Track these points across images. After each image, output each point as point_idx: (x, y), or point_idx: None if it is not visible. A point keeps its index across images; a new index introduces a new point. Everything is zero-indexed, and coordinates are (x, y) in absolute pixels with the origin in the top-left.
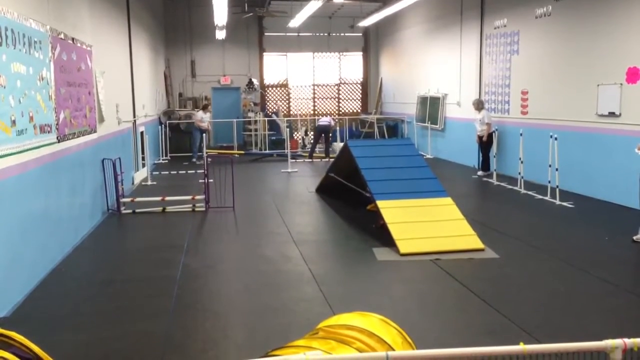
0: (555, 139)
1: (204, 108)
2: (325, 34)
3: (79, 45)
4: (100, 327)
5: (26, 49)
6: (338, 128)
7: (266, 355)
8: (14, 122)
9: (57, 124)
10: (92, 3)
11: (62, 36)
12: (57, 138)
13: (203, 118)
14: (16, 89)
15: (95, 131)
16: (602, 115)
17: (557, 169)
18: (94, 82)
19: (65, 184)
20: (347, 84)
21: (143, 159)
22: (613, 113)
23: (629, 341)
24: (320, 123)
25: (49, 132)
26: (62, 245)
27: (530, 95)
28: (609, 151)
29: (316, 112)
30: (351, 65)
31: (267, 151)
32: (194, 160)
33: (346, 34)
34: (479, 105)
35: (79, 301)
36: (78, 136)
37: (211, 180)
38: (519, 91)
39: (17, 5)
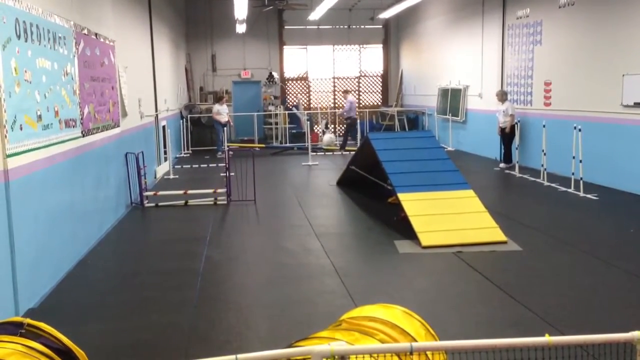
0: (579, 130)
1: (219, 100)
2: (345, 27)
3: (102, 40)
4: (126, 318)
5: (51, 45)
6: (359, 121)
7: (290, 346)
8: (39, 116)
9: (81, 119)
10: None
11: (85, 32)
12: (82, 132)
13: (219, 110)
14: (41, 84)
15: (118, 125)
16: (627, 106)
17: (581, 161)
18: (117, 77)
19: (90, 178)
20: (367, 76)
21: (165, 152)
22: (639, 103)
23: None
24: (355, 115)
25: (73, 126)
26: (88, 238)
27: (554, 86)
28: (634, 142)
29: (336, 105)
30: (371, 57)
31: (288, 144)
32: (219, 154)
33: (366, 26)
34: (502, 96)
35: (104, 293)
36: (102, 130)
37: (232, 174)
38: (542, 82)
39: (42, 2)
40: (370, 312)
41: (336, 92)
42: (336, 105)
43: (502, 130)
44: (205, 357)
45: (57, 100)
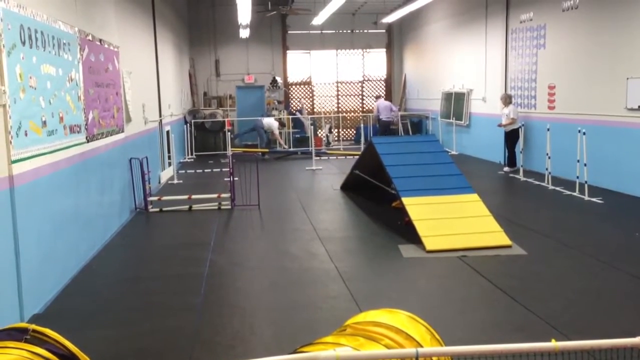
0: (584, 133)
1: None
2: (349, 31)
3: (106, 46)
4: (130, 323)
5: (55, 51)
6: (362, 125)
7: (295, 352)
8: (44, 122)
9: (86, 124)
10: (118, 4)
11: (90, 37)
12: (86, 138)
13: (271, 125)
14: (46, 90)
15: (122, 131)
16: (631, 109)
17: (585, 165)
18: (121, 82)
19: (95, 183)
20: (370, 80)
21: (169, 157)
22: None
23: None
24: (385, 118)
25: (78, 132)
26: (93, 243)
27: (558, 90)
28: (639, 145)
29: (340, 110)
30: (375, 62)
31: (292, 149)
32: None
33: (369, 31)
34: (506, 99)
35: (109, 298)
36: (106, 136)
37: (236, 179)
38: (546, 86)
39: (47, 8)
40: (375, 317)
41: (340, 97)
42: (339, 109)
43: (506, 132)
44: None
45: (62, 106)
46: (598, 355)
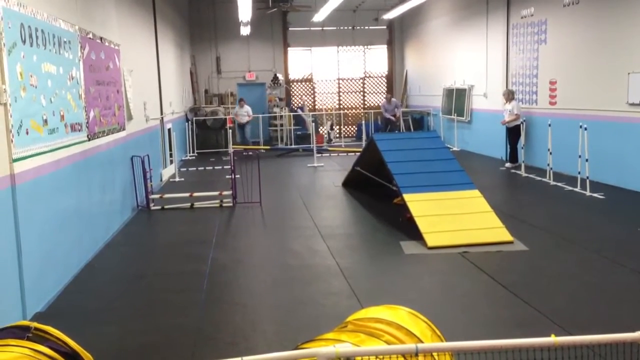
0: (585, 129)
1: (239, 102)
2: (350, 28)
3: (107, 44)
4: (132, 320)
5: (56, 49)
6: (364, 121)
7: (296, 349)
8: (45, 121)
9: (87, 123)
10: (119, 2)
11: (90, 36)
12: (88, 136)
13: (238, 112)
14: (47, 89)
15: (124, 129)
16: (633, 104)
17: (587, 160)
18: (122, 80)
19: (96, 181)
20: (372, 77)
21: (171, 155)
22: None
23: None
24: (387, 116)
25: (79, 130)
26: (95, 241)
27: (559, 85)
28: None
29: (341, 106)
30: (376, 58)
31: (293, 146)
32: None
33: (370, 27)
34: (509, 95)
35: (111, 295)
36: (107, 134)
37: (238, 176)
38: (547, 81)
39: (47, 6)
40: (375, 314)
41: (341, 94)
42: (341, 106)
43: (507, 128)
44: (211, 359)
45: (63, 104)
46: (598, 349)
